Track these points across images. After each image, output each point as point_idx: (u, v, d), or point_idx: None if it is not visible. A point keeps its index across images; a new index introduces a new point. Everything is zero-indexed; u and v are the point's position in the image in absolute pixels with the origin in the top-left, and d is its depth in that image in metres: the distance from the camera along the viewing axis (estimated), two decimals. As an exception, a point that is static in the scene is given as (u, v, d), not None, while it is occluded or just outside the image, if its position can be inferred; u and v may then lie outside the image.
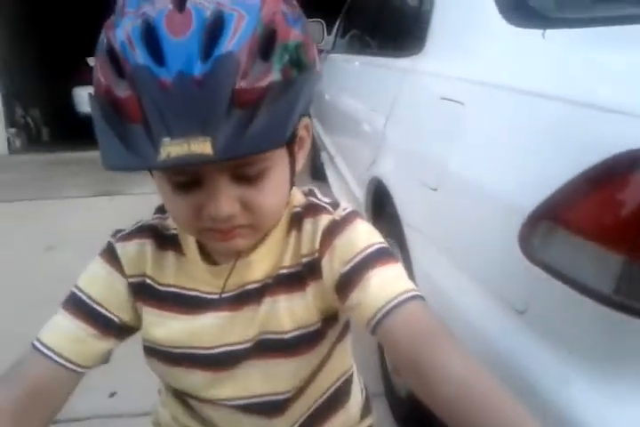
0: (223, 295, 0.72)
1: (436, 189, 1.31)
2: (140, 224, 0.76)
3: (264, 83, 0.54)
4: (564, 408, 0.87)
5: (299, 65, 0.58)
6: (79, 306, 0.71)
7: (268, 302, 0.72)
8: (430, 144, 1.46)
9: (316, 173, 4.25)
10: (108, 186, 4.27)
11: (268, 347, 0.73)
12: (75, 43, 7.10)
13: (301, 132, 0.67)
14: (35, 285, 2.68)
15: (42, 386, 0.66)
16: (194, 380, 0.75)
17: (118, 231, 0.75)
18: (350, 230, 0.70)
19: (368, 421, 0.93)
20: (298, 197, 0.74)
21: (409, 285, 0.66)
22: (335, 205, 0.74)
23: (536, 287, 0.95)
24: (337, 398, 0.84)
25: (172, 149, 0.51)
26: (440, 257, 1.31)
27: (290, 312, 0.72)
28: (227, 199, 0.59)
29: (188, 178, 0.59)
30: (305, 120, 0.67)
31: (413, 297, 0.63)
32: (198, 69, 0.52)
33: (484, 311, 1.10)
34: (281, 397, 0.77)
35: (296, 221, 0.72)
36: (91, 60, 7.37)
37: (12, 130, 6.68)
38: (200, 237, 0.67)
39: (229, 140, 0.52)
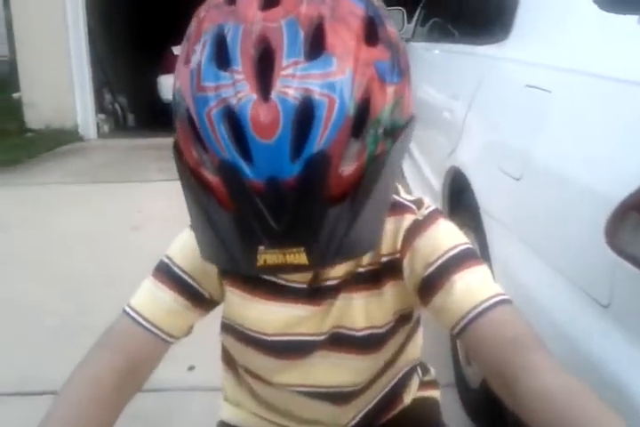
0: (304, 287, 0.72)
1: (519, 179, 1.29)
2: None
3: (357, 169, 0.51)
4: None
5: (393, 132, 0.54)
6: (173, 278, 0.71)
7: (343, 297, 0.71)
8: (514, 133, 1.43)
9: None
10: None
11: (340, 341, 0.73)
12: (160, 33, 7.35)
13: None
14: (121, 262, 2.83)
15: (138, 356, 0.68)
16: (264, 363, 0.76)
17: None
18: (433, 231, 0.68)
19: (430, 393, 0.92)
20: None
21: (495, 288, 0.63)
22: (419, 203, 0.71)
23: (621, 281, 0.93)
24: (400, 386, 0.85)
25: (268, 257, 0.51)
26: (520, 248, 1.29)
27: (364, 310, 0.72)
28: None
29: None
30: None
31: (500, 302, 0.61)
32: (289, 172, 0.49)
33: (565, 304, 1.08)
34: (348, 389, 0.77)
35: None
36: (176, 50, 7.61)
37: (102, 116, 7.00)
38: None
39: (324, 249, 0.51)
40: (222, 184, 0.51)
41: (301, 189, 0.49)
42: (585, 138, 1.12)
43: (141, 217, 3.53)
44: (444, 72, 2.59)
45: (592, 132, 1.11)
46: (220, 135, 0.50)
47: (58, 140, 6.15)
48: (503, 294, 0.63)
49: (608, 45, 1.25)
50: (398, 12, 3.90)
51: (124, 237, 3.28)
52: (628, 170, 0.94)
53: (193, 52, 0.53)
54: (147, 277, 0.73)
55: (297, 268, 0.51)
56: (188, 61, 0.54)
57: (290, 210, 0.50)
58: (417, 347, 0.84)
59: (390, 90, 0.53)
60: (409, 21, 4.08)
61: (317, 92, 0.49)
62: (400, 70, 0.55)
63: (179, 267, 0.72)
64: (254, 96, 0.49)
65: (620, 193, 0.91)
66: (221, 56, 0.51)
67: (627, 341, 0.92)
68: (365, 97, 0.51)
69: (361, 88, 0.51)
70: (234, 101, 0.49)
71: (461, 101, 1.92)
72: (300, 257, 0.50)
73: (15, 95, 6.77)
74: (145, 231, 3.30)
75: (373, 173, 0.52)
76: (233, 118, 0.50)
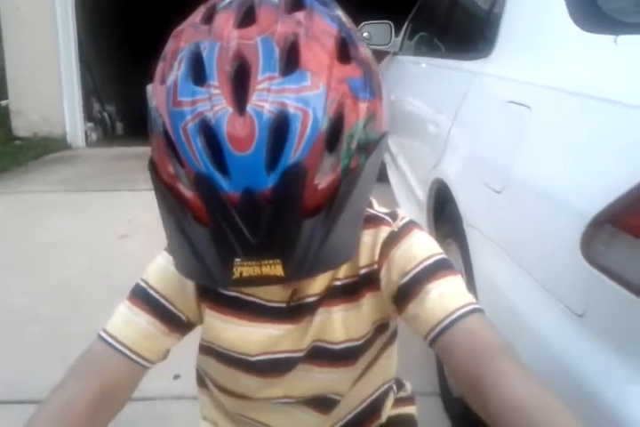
0: (283, 306, 0.72)
1: (500, 192, 1.33)
2: None
3: (331, 182, 0.52)
4: (621, 411, 0.88)
5: (367, 147, 0.55)
6: (149, 301, 0.70)
7: (322, 312, 0.72)
8: (496, 147, 1.47)
9: (379, 173, 4.25)
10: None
11: (319, 355, 0.74)
12: (149, 41, 7.38)
13: None
14: (109, 270, 2.83)
15: (113, 382, 0.66)
16: (247, 382, 0.76)
17: None
18: (408, 241, 0.69)
19: (406, 409, 0.93)
20: None
21: (468, 298, 0.65)
22: (393, 215, 0.73)
23: (595, 291, 0.96)
24: (376, 402, 0.86)
25: (244, 269, 0.50)
26: (501, 258, 1.32)
27: (343, 323, 0.72)
28: None
29: None
30: None
31: (472, 311, 0.63)
32: (265, 184, 0.50)
33: (543, 313, 1.11)
34: (328, 397, 0.78)
35: None
36: (165, 59, 7.61)
37: (90, 124, 7.00)
38: None
39: (301, 261, 0.51)
40: (198, 198, 0.51)
41: (277, 201, 0.50)
42: (562, 153, 1.16)
43: (129, 226, 3.53)
44: (430, 85, 2.64)
45: (569, 148, 1.15)
46: (196, 148, 0.50)
47: (46, 148, 6.13)
48: (475, 304, 0.64)
49: (586, 63, 1.29)
50: (386, 26, 3.96)
51: (112, 245, 3.28)
52: (602, 184, 0.98)
53: (169, 70, 0.54)
54: (122, 302, 0.72)
55: (273, 280, 0.51)
56: (163, 80, 0.55)
57: (266, 222, 0.50)
58: (393, 361, 0.85)
59: (363, 106, 0.54)
60: (396, 35, 4.15)
61: (292, 106, 0.50)
62: (372, 88, 0.56)
63: (155, 290, 0.71)
64: (230, 109, 0.50)
65: (595, 206, 0.94)
66: (198, 72, 0.52)
67: (600, 348, 0.95)
68: (339, 112, 0.52)
69: (334, 103, 0.52)
70: (210, 115, 0.50)
71: (446, 115, 1.96)
72: (276, 269, 0.50)
73: (3, 103, 6.76)
74: (133, 240, 3.30)
75: (348, 186, 0.53)
76: (209, 131, 0.50)
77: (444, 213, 1.88)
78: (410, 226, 0.71)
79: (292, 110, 0.50)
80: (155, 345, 0.70)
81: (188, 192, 0.52)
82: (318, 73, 0.52)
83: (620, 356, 0.92)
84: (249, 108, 0.50)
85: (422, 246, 0.69)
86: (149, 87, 0.55)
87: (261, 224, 0.50)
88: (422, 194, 2.21)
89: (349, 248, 0.55)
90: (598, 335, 0.97)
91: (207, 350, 0.77)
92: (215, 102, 0.50)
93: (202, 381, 0.86)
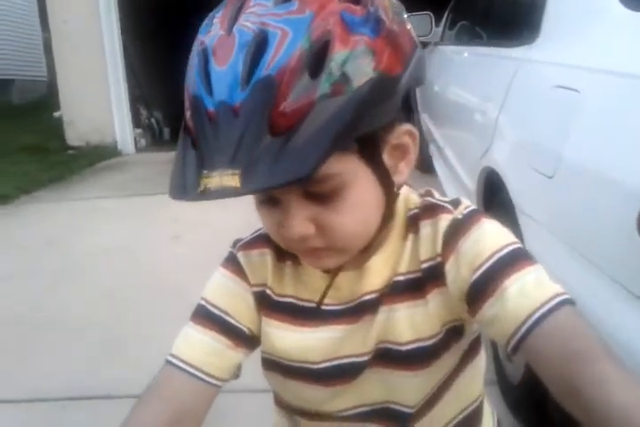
0: (341, 308, 0.69)
1: (552, 177, 1.32)
2: (258, 233, 0.74)
3: (304, 105, 0.51)
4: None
5: (357, 77, 0.52)
6: (210, 318, 0.69)
7: (384, 311, 0.67)
8: (545, 132, 1.46)
9: (425, 165, 4.24)
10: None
11: (387, 357, 0.68)
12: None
13: (403, 139, 0.60)
14: (163, 272, 2.92)
15: (187, 405, 0.65)
16: (312, 394, 0.72)
17: (238, 240, 0.74)
18: (476, 231, 0.62)
19: None
20: (413, 199, 0.68)
21: (553, 289, 0.57)
22: (456, 203, 0.66)
23: (656, 271, 0.96)
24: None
25: (208, 181, 0.51)
26: (556, 244, 1.32)
27: (409, 322, 0.66)
28: (298, 219, 0.56)
29: (265, 195, 0.58)
30: (405, 126, 0.60)
31: (561, 303, 0.55)
32: (237, 98, 0.50)
33: (601, 296, 1.11)
34: (403, 409, 0.71)
35: (412, 224, 0.67)
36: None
37: (138, 130, 7.20)
38: (290, 250, 0.65)
39: (257, 173, 0.50)
40: (191, 119, 0.53)
41: (244, 115, 0.50)
42: (614, 135, 1.15)
43: (181, 227, 3.64)
44: (474, 74, 2.62)
45: (621, 130, 1.14)
46: (193, 71, 0.54)
47: (98, 155, 6.35)
48: (564, 294, 0.56)
49: (634, 44, 1.27)
50: (426, 17, 3.94)
51: (167, 246, 3.38)
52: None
53: None
54: (186, 324, 0.71)
55: (230, 191, 0.50)
56: None
57: (232, 136, 0.50)
58: (478, 379, 0.76)
59: (357, 39, 0.53)
60: (437, 25, 4.12)
61: (272, 26, 0.52)
62: (377, 29, 0.55)
63: (215, 306, 0.70)
64: (222, 32, 0.54)
65: (652, 187, 0.94)
66: (212, 16, 0.57)
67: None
68: (324, 38, 0.51)
69: (320, 27, 0.51)
70: (207, 40, 0.54)
71: (493, 103, 1.95)
72: (233, 179, 0.50)
73: (56, 114, 7.01)
74: (186, 240, 3.40)
75: (321, 111, 0.51)
76: (204, 53, 0.54)
77: (494, 201, 1.87)
78: (477, 215, 0.64)
79: (271, 29, 0.51)
80: (222, 362, 0.68)
81: (188, 119, 0.54)
82: (308, 2, 0.53)
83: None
84: (235, 28, 0.53)
85: (493, 236, 0.62)
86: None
87: (227, 138, 0.50)
88: (471, 183, 2.21)
89: (306, 168, 0.51)
90: (661, 316, 0.96)
91: (269, 363, 0.73)
92: (212, 29, 0.55)
93: (276, 397, 0.82)
